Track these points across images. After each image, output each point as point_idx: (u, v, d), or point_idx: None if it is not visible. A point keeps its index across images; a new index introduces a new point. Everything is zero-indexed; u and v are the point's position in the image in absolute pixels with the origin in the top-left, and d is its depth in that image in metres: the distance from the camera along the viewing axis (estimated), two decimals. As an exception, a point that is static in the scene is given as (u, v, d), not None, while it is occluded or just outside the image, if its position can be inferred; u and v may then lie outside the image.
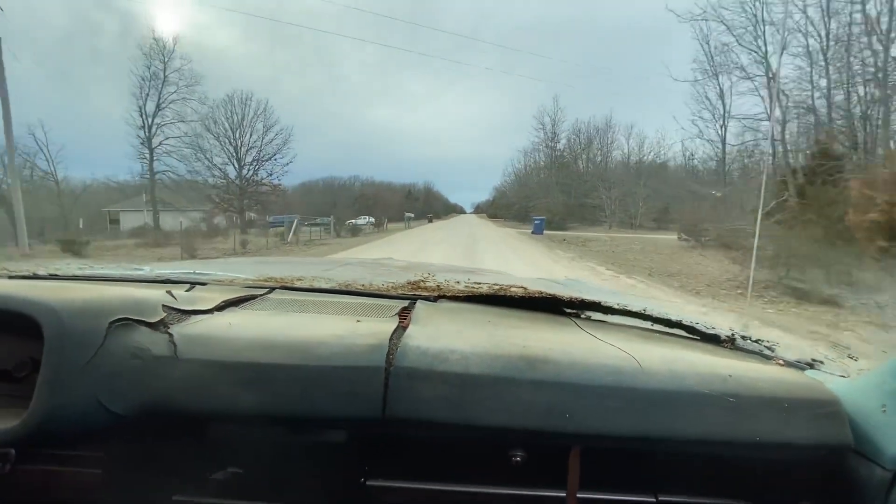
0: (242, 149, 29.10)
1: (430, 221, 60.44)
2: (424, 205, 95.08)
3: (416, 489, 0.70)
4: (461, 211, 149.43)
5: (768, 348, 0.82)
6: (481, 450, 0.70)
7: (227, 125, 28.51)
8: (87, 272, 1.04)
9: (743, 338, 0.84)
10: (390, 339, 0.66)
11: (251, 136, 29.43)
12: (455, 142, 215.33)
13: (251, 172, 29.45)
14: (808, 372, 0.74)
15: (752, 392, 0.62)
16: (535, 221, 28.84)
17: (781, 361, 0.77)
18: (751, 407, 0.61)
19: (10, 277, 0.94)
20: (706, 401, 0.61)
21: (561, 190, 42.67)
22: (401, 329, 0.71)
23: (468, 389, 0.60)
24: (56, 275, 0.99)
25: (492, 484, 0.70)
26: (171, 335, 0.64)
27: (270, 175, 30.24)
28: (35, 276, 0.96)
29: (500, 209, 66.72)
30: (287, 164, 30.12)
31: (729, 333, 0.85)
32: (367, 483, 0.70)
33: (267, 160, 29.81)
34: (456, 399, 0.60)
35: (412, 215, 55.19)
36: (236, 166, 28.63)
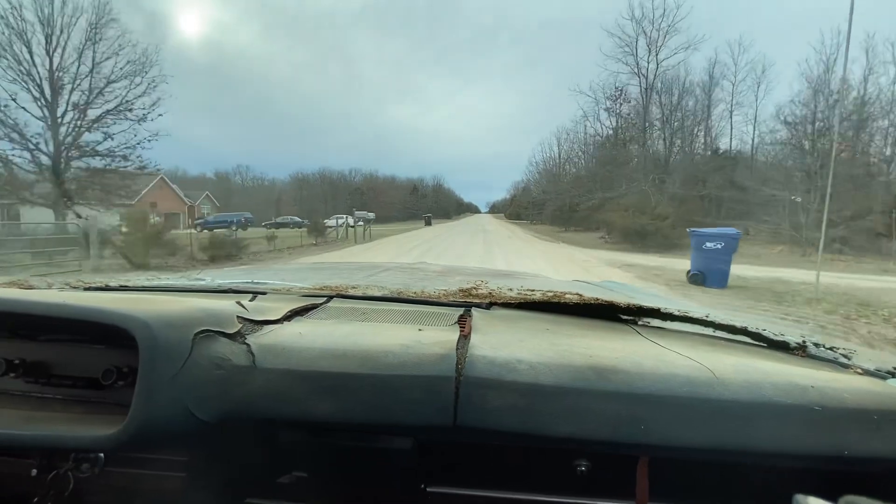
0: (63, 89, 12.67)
1: (428, 224, 43.93)
2: (434, 203, 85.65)
3: (476, 497, 0.71)
4: (475, 210, 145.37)
5: (844, 356, 0.78)
6: (544, 458, 0.69)
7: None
8: (155, 283, 1.09)
9: (815, 345, 0.81)
10: (457, 348, 0.66)
11: (78, 62, 12.89)
12: (470, 141, 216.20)
13: (71, 134, 12.74)
14: (891, 381, 0.70)
15: (837, 403, 0.59)
16: (711, 248, 8.20)
17: (860, 370, 0.74)
18: (836, 419, 0.59)
19: (87, 290, 0.99)
20: (786, 412, 0.59)
21: (657, 181, 23.42)
22: (463, 338, 0.71)
23: (538, 399, 0.60)
24: (126, 286, 1.04)
25: (554, 493, 0.70)
26: (248, 345, 0.67)
27: (125, 149, 13.32)
28: (108, 288, 1.02)
29: (523, 208, 56.65)
30: (153, 135, 13.67)
31: (800, 340, 0.82)
32: (428, 490, 0.71)
33: (114, 115, 13.24)
34: (525, 408, 0.60)
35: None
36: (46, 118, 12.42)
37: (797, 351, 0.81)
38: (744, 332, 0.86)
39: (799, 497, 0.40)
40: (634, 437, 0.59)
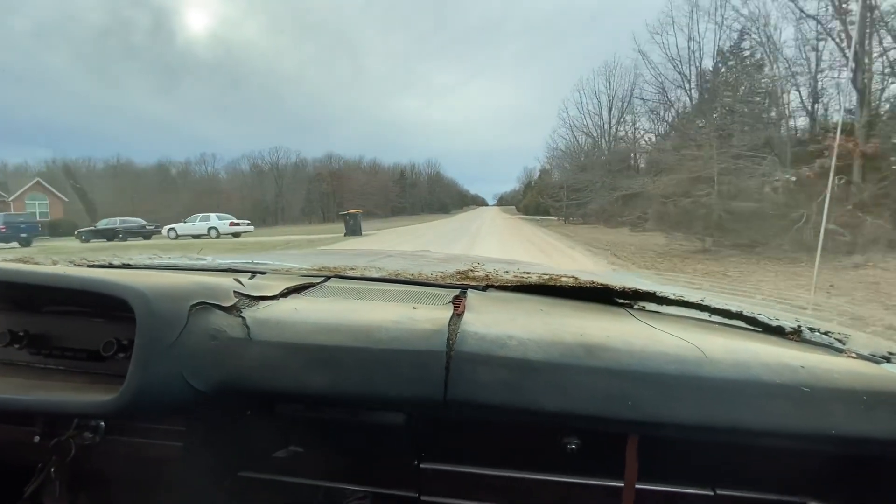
0: None
1: (353, 232, 18.73)
2: (429, 194, 69.27)
3: (468, 473, 0.72)
4: (482, 203, 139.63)
5: (839, 341, 0.78)
6: (534, 436, 0.70)
7: None
8: (157, 262, 1.11)
9: (811, 329, 0.81)
10: (449, 324, 0.67)
11: None
12: (476, 133, 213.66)
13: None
14: (886, 365, 0.70)
15: (827, 384, 0.60)
16: None
17: (854, 354, 0.74)
18: (825, 399, 0.59)
19: (90, 266, 1.01)
20: (775, 391, 0.59)
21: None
22: (456, 316, 0.72)
23: (527, 374, 0.61)
24: (129, 264, 1.06)
25: (545, 471, 0.71)
26: (243, 318, 0.68)
27: None
28: (111, 266, 1.04)
29: (546, 199, 35.77)
30: None
31: (795, 325, 0.82)
32: (422, 466, 0.72)
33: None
34: (515, 383, 0.61)
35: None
36: None
37: (792, 335, 0.81)
38: (739, 316, 0.86)
39: None
40: (622, 413, 0.60)
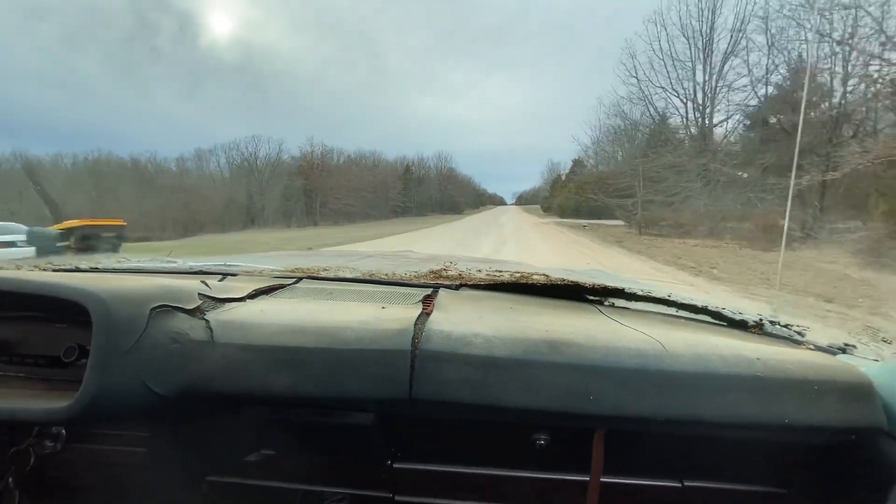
0: None
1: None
2: (438, 192, 60.99)
3: (441, 472, 0.72)
4: (500, 202, 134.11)
5: (798, 333, 0.80)
6: (505, 434, 0.71)
7: None
8: (126, 265, 1.09)
9: (772, 322, 0.83)
10: (415, 323, 0.67)
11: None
12: (494, 131, 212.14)
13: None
14: (840, 356, 0.72)
15: (781, 374, 0.61)
16: None
17: (812, 346, 0.76)
18: (779, 389, 0.60)
19: (55, 270, 1.00)
20: (732, 383, 0.61)
21: None
22: (424, 315, 0.72)
23: (491, 371, 0.61)
24: (97, 268, 1.04)
25: (516, 467, 0.72)
26: (207, 321, 0.67)
27: None
28: (77, 270, 1.02)
29: (589, 196, 27.07)
30: None
31: (757, 319, 0.84)
32: (394, 466, 0.72)
33: None
34: (479, 381, 0.61)
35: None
36: None
37: (753, 329, 0.83)
38: (704, 310, 0.87)
39: None
40: (585, 408, 0.60)
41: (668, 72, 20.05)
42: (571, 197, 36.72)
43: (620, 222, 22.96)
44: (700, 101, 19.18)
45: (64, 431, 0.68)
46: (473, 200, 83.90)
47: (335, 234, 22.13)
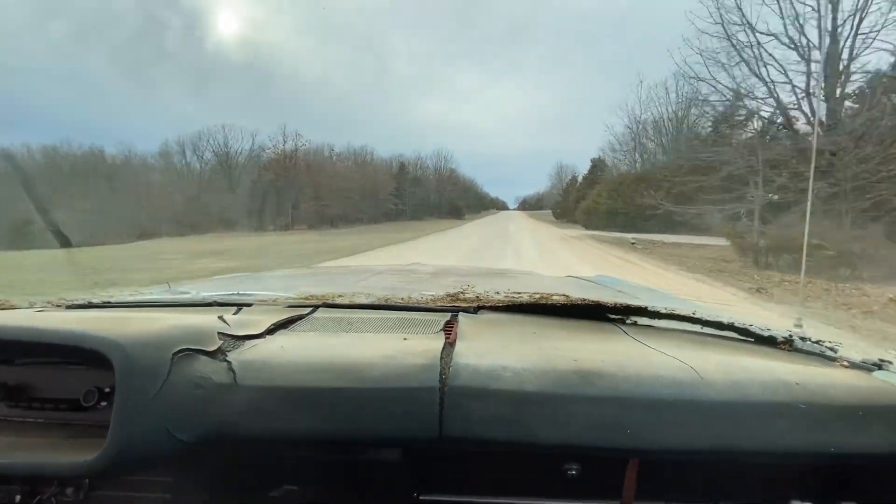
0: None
1: None
2: (436, 194, 56.80)
3: (468, 503, 0.71)
4: (502, 207, 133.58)
5: (831, 349, 0.78)
6: (534, 464, 0.69)
7: None
8: (139, 298, 1.08)
9: (802, 339, 0.81)
10: (441, 356, 0.66)
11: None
12: (498, 136, 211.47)
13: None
14: (877, 373, 0.70)
15: (823, 400, 0.59)
16: None
17: (846, 363, 0.74)
18: (822, 416, 0.59)
19: (69, 307, 0.99)
20: (772, 410, 0.59)
21: None
22: (448, 346, 0.71)
23: (523, 407, 0.60)
24: (109, 302, 1.03)
25: (545, 497, 0.70)
26: (229, 363, 0.66)
27: None
28: (90, 305, 1.01)
29: (642, 198, 17.63)
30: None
31: (786, 334, 0.82)
32: (420, 497, 0.71)
33: None
34: (511, 417, 0.60)
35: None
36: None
37: (784, 345, 0.81)
38: (731, 328, 0.86)
39: None
40: (620, 441, 0.59)
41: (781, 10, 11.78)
42: (602, 202, 28.68)
43: (687, 239, 16.45)
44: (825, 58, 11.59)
45: (87, 481, 0.67)
46: (475, 204, 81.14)
47: (302, 245, 17.93)
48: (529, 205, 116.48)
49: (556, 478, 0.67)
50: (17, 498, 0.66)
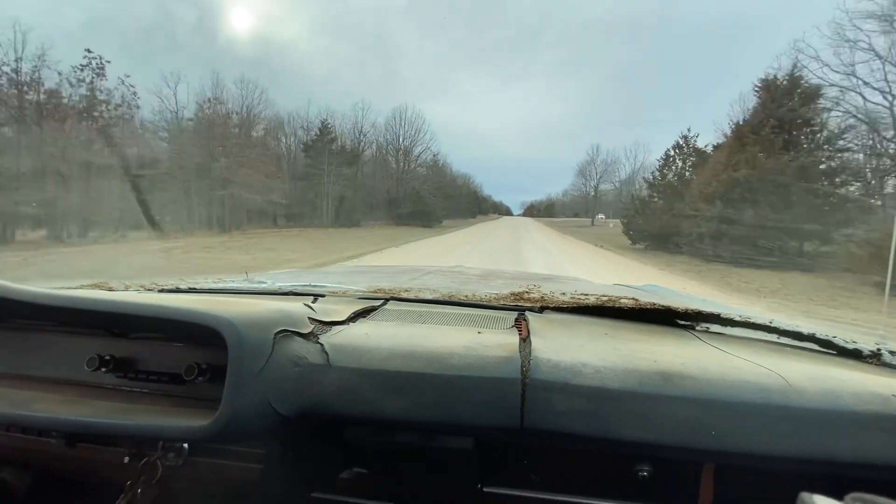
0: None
1: None
2: (448, 198, 42.85)
3: (533, 498, 0.71)
4: (506, 212, 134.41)
5: None
6: (605, 463, 0.69)
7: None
8: (220, 286, 1.15)
9: (891, 353, 0.78)
10: (519, 350, 0.68)
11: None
12: (505, 142, 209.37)
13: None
14: None
15: None
16: None
17: None
18: None
19: (161, 291, 1.06)
20: (867, 421, 0.57)
21: None
22: (522, 341, 0.72)
23: (604, 403, 0.61)
24: (195, 288, 1.11)
25: (614, 498, 0.70)
26: (321, 345, 0.70)
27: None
28: (178, 290, 1.09)
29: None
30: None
31: (874, 348, 0.79)
32: (485, 489, 0.72)
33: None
34: (592, 412, 0.61)
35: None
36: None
37: (871, 359, 0.78)
38: (811, 338, 0.83)
39: (804, 495, 0.40)
40: (705, 443, 0.59)
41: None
42: (659, 213, 18.09)
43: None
44: None
45: (187, 446, 0.72)
46: (465, 207, 63.77)
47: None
48: (536, 211, 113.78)
49: (625, 479, 0.67)
50: (126, 459, 0.73)
